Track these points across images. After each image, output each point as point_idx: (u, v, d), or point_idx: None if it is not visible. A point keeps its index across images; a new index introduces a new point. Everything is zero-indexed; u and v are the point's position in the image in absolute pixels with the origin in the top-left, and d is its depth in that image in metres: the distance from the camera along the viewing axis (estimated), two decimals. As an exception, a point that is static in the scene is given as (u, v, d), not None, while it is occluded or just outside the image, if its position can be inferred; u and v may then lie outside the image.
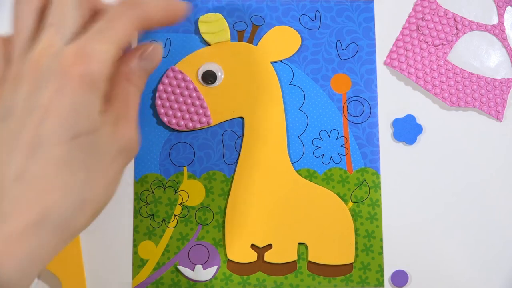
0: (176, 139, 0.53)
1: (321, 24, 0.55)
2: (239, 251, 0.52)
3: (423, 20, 0.55)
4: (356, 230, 0.53)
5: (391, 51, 0.55)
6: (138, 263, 0.52)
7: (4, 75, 0.38)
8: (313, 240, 0.52)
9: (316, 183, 0.53)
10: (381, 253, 0.53)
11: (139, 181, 0.53)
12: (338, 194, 0.53)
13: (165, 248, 0.52)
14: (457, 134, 0.55)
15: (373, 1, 0.55)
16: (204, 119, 0.52)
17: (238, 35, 0.54)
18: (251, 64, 0.54)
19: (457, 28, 0.55)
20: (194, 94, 0.52)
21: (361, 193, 0.53)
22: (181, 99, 0.52)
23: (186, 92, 0.52)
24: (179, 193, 0.53)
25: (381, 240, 0.53)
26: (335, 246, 0.52)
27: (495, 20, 0.56)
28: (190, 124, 0.52)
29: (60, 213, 0.35)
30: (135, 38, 0.54)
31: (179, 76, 0.53)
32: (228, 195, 0.53)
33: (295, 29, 0.54)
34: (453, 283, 0.53)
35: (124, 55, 0.41)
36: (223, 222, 0.53)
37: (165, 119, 0.52)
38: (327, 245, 0.52)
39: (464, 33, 0.56)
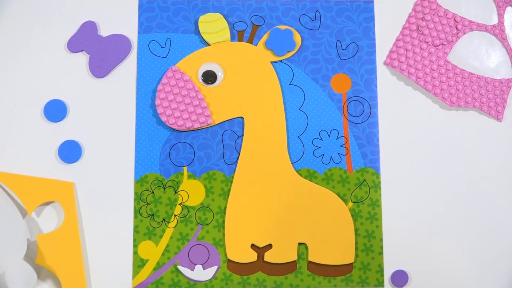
0: (176, 139, 0.53)
1: (321, 24, 0.55)
2: (239, 251, 0.52)
3: (423, 20, 0.55)
4: (356, 230, 0.53)
5: (391, 51, 0.55)
6: (138, 263, 0.52)
7: None
8: (313, 240, 0.52)
9: (316, 183, 0.53)
10: (381, 253, 0.53)
11: (139, 181, 0.53)
12: (338, 194, 0.53)
13: (165, 248, 0.52)
14: (457, 134, 0.55)
15: (373, 1, 0.55)
16: (203, 119, 0.52)
17: (238, 35, 0.54)
18: (251, 64, 0.54)
19: (457, 28, 0.55)
20: (194, 94, 0.52)
21: (361, 193, 0.53)
22: (180, 99, 0.52)
23: (185, 92, 0.52)
24: (179, 193, 0.53)
25: (381, 240, 0.53)
26: (335, 246, 0.52)
27: (495, 20, 0.56)
28: (190, 124, 0.52)
29: None
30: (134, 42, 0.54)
31: (179, 76, 0.53)
32: (228, 195, 0.53)
33: (295, 29, 0.54)
34: (453, 283, 0.53)
35: None
36: (223, 222, 0.53)
37: (164, 119, 0.52)
38: (327, 245, 0.52)
39: (464, 33, 0.56)
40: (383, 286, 0.53)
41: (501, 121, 0.55)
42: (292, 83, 0.54)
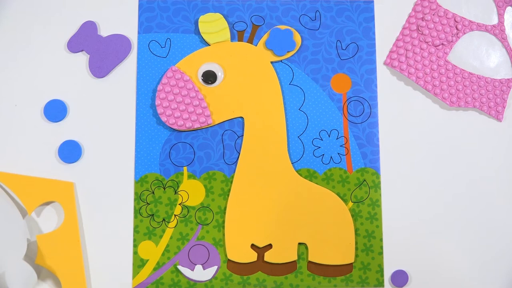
0: (176, 139, 0.53)
1: (321, 24, 0.55)
2: (239, 251, 0.52)
3: (423, 20, 0.55)
4: (356, 230, 0.53)
5: (391, 51, 0.55)
6: (138, 263, 0.52)
7: None
8: (313, 240, 0.52)
9: (316, 183, 0.53)
10: (381, 253, 0.53)
11: (139, 181, 0.53)
12: (338, 194, 0.53)
13: (165, 248, 0.52)
14: (457, 134, 0.55)
15: (373, 1, 0.55)
16: (203, 119, 0.52)
17: (238, 35, 0.54)
18: (251, 64, 0.54)
19: (457, 28, 0.55)
20: (194, 94, 0.52)
21: (361, 193, 0.53)
22: (180, 99, 0.52)
23: (185, 92, 0.52)
24: (179, 193, 0.53)
25: (381, 240, 0.53)
26: (335, 246, 0.52)
27: (495, 20, 0.56)
28: (190, 124, 0.52)
29: None
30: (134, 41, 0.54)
31: (179, 76, 0.53)
32: (228, 195, 0.53)
33: (295, 29, 0.54)
34: (453, 283, 0.53)
35: None
36: (223, 222, 0.53)
37: (164, 119, 0.52)
38: (327, 245, 0.52)
39: (464, 33, 0.56)
40: (383, 286, 0.53)
41: (501, 121, 0.55)
42: (292, 83, 0.54)
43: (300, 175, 0.53)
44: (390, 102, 0.55)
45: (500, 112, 0.55)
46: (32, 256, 0.51)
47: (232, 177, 0.53)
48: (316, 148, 0.54)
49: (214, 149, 0.53)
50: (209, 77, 0.53)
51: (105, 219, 0.53)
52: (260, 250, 0.52)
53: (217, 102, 0.53)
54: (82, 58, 0.54)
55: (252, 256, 0.52)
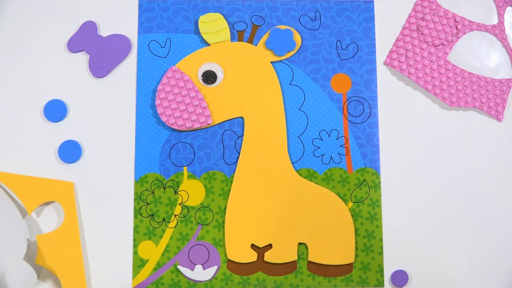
0: (176, 139, 0.53)
1: (321, 24, 0.55)
2: (239, 251, 0.52)
3: (423, 20, 0.55)
4: (356, 230, 0.53)
5: (391, 51, 0.55)
6: (138, 263, 0.52)
7: None
8: (313, 240, 0.52)
9: (316, 183, 0.53)
10: (381, 253, 0.53)
11: (139, 181, 0.53)
12: (338, 194, 0.53)
13: (165, 248, 0.52)
14: (457, 134, 0.55)
15: (373, 1, 0.55)
16: (203, 119, 0.52)
17: (238, 35, 0.54)
18: (251, 64, 0.54)
19: (457, 28, 0.55)
20: (194, 94, 0.52)
21: (361, 193, 0.53)
22: (180, 99, 0.52)
23: (185, 92, 0.52)
24: (179, 193, 0.53)
25: (381, 240, 0.53)
26: (335, 246, 0.52)
27: (495, 20, 0.56)
28: (190, 124, 0.52)
29: None
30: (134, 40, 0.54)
31: (179, 76, 0.53)
32: (228, 195, 0.53)
33: (295, 29, 0.54)
34: (453, 283, 0.53)
35: None
36: (223, 222, 0.53)
37: (164, 119, 0.52)
38: (327, 245, 0.52)
39: (464, 33, 0.56)
40: (383, 286, 0.53)
41: (501, 121, 0.55)
42: (292, 83, 0.54)
43: (300, 175, 0.53)
44: (390, 102, 0.55)
45: (500, 112, 0.55)
46: (32, 256, 0.51)
47: (232, 177, 0.53)
48: (316, 148, 0.54)
49: (214, 149, 0.53)
50: (209, 77, 0.53)
51: (105, 219, 0.53)
52: (260, 250, 0.52)
53: (217, 102, 0.53)
54: (82, 58, 0.54)
55: (252, 256, 0.52)
